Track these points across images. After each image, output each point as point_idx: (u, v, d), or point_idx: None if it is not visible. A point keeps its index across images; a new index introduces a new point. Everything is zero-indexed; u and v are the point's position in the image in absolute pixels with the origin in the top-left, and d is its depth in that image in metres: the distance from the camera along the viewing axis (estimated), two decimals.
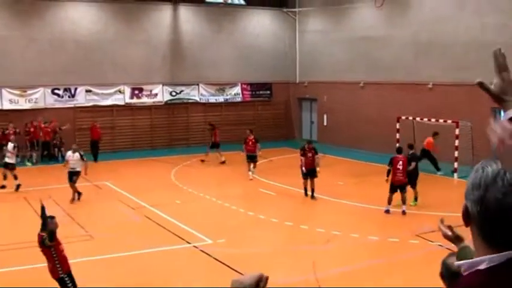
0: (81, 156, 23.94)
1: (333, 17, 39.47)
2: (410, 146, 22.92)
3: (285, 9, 42.80)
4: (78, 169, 23.55)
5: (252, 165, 27.73)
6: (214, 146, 33.12)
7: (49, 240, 12.09)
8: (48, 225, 12.40)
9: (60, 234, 18.26)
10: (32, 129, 33.92)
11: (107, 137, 36.75)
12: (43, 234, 12.23)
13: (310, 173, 23.07)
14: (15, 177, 25.56)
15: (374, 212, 21.02)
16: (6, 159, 26.33)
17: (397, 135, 30.40)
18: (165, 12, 39.38)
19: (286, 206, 22.42)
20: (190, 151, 34.30)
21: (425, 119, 29.84)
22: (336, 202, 22.64)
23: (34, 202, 22.77)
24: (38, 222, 20.08)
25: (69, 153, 24.05)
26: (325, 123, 40.28)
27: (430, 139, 28.33)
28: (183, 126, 38.91)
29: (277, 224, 19.59)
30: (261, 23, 42.37)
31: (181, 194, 24.71)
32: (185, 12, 39.94)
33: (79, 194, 23.65)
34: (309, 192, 23.07)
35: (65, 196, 23.73)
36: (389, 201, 20.94)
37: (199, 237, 17.96)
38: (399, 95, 33.26)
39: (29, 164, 33.21)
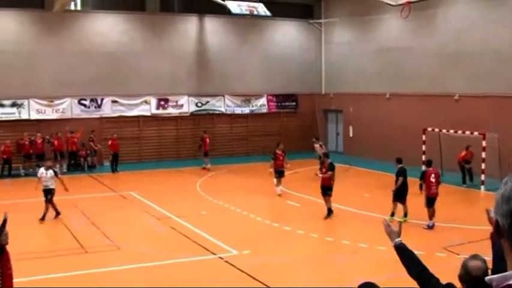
0: (55, 173, 22.97)
1: (358, 28, 39.43)
2: (399, 160, 22.18)
3: (310, 21, 42.84)
4: (51, 186, 22.30)
5: (278, 181, 26.96)
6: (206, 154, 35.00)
7: None
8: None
9: (85, 244, 18.40)
10: (55, 141, 34.22)
11: (133, 147, 37.02)
12: None
13: (324, 190, 22.42)
14: None
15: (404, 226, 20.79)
16: None
17: (423, 147, 30.26)
18: (191, 24, 39.57)
19: (312, 218, 22.27)
20: (216, 162, 34.29)
21: (452, 131, 29.63)
22: (363, 214, 22.48)
23: (60, 211, 22.90)
24: (64, 230, 20.27)
25: (42, 170, 22.84)
26: (351, 135, 40.18)
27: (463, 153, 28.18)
28: (210, 137, 39.01)
29: (302, 235, 19.50)
30: (287, 35, 42.42)
31: (207, 205, 24.70)
32: (211, 24, 40.11)
33: (57, 213, 22.39)
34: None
35: (90, 206, 23.89)
36: (431, 216, 20.64)
37: (224, 248, 17.92)
38: (425, 106, 33.08)
39: None
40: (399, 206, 21.36)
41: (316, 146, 32.22)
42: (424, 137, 30.51)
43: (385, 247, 17.83)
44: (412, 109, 34.20)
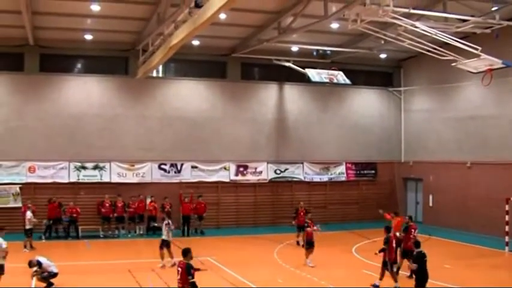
0: None
1: (438, 96, 39.06)
2: (417, 244, 18.88)
3: (390, 89, 42.76)
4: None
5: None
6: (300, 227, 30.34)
7: None
8: None
9: None
10: (136, 204, 34.94)
11: (211, 213, 37.08)
12: None
13: (409, 254, 21.70)
14: None
15: None
16: None
17: (506, 218, 29.38)
18: (271, 91, 39.99)
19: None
20: (294, 230, 33.95)
21: None
22: (444, 287, 21.85)
23: (137, 274, 23.09)
24: None
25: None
26: (430, 204, 39.43)
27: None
28: (287, 205, 38.74)
29: None
30: (366, 102, 42.40)
31: (284, 273, 24.44)
32: (291, 92, 40.43)
33: None
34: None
35: (167, 270, 23.95)
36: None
37: None
38: (509, 175, 32.25)
39: (129, 236, 34.01)
40: None
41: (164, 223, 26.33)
42: (507, 207, 29.65)
43: None
44: (495, 178, 33.41)
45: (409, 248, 21.96)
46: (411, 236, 22.73)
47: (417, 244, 18.75)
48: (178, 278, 15.13)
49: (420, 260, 18.00)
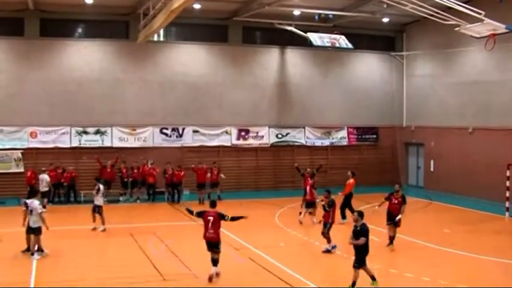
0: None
1: (441, 61, 38.86)
2: (360, 214, 17.46)
3: (392, 53, 42.52)
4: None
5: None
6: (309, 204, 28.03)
7: None
8: None
9: (163, 271, 18.48)
10: (135, 170, 34.88)
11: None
12: None
13: (392, 220, 22.61)
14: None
15: (485, 263, 20.19)
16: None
17: (507, 183, 29.43)
18: (272, 56, 39.81)
19: (392, 253, 21.91)
20: (295, 193, 34.00)
21: None
22: (443, 251, 21.92)
23: (139, 237, 23.21)
24: (143, 257, 20.41)
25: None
26: (431, 169, 39.46)
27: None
28: (289, 169, 38.72)
29: (379, 270, 19.01)
30: (369, 67, 42.21)
31: (286, 237, 24.57)
32: (292, 56, 40.25)
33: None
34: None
35: (169, 234, 24.06)
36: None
37: (302, 281, 17.72)
38: (510, 141, 32.19)
39: (131, 201, 34.07)
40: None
41: None
42: (508, 173, 29.67)
43: (465, 285, 17.37)
44: (496, 144, 33.38)
45: (394, 212, 22.34)
46: (393, 202, 22.89)
47: (361, 214, 17.42)
48: (209, 226, 17.51)
49: (366, 232, 17.08)
